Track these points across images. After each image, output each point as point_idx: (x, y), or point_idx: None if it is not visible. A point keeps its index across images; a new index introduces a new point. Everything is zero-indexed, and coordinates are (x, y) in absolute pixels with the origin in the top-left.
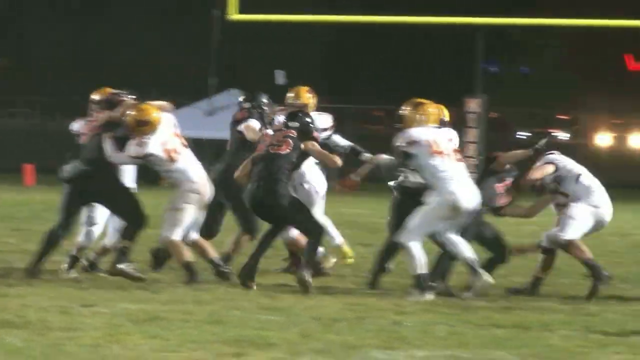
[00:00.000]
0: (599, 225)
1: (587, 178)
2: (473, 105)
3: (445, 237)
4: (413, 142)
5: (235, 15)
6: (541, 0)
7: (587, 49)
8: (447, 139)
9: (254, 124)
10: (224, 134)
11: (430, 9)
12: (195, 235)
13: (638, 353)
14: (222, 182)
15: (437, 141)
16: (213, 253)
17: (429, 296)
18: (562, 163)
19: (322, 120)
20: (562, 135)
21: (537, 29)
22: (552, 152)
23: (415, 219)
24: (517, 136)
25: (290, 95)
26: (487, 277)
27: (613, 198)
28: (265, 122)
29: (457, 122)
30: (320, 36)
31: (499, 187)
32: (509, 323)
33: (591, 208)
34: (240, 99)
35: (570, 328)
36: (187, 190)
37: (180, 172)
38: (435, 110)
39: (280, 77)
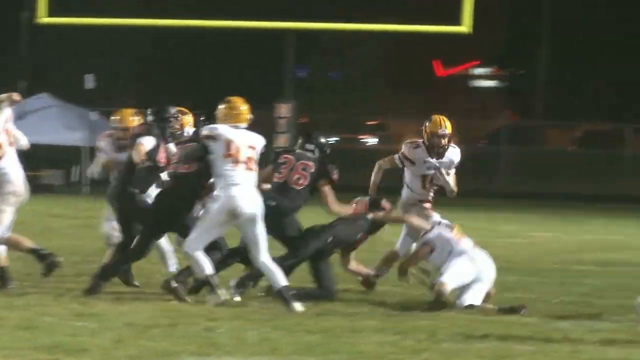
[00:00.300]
0: (480, 280)
1: (464, 243)
2: (283, 110)
3: (263, 265)
4: (214, 137)
5: (44, 19)
6: (352, 5)
7: (396, 55)
8: (248, 144)
9: (146, 143)
10: (34, 137)
11: (240, 13)
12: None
13: (449, 359)
14: (115, 191)
15: (236, 144)
16: (29, 242)
17: (223, 294)
18: (437, 239)
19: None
20: (371, 141)
21: (348, 34)
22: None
23: (197, 227)
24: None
25: (115, 118)
26: (298, 307)
27: None
28: (168, 136)
29: (268, 127)
30: (134, 41)
31: (362, 236)
32: (320, 329)
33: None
34: (148, 111)
35: (382, 334)
36: (6, 192)
37: (1, 173)
38: (246, 109)
39: (89, 82)
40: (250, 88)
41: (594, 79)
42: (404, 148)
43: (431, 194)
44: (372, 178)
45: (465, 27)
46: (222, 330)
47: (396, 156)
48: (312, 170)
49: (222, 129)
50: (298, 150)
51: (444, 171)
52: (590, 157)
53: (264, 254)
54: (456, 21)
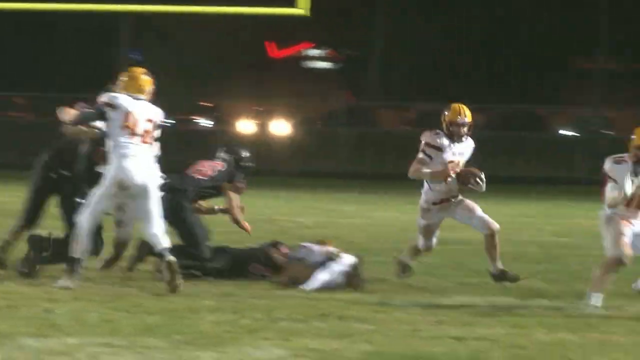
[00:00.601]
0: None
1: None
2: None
3: (153, 236)
4: (113, 105)
5: None
6: None
7: (229, 36)
8: (147, 118)
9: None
10: None
11: None
12: None
13: (286, 338)
14: (37, 175)
15: (135, 116)
16: None
17: (73, 283)
18: (306, 253)
19: None
20: (205, 122)
21: (181, 16)
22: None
23: (90, 199)
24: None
25: None
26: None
27: (258, 185)
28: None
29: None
30: None
31: (255, 267)
32: (159, 309)
33: None
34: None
35: (220, 314)
36: None
37: None
38: (147, 80)
39: None
40: (85, 71)
41: (428, 60)
42: (426, 138)
43: (454, 189)
44: (425, 175)
45: (302, 9)
46: (61, 312)
47: (420, 155)
48: (221, 169)
49: (123, 99)
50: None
51: (483, 177)
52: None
53: (157, 228)
54: (293, 3)
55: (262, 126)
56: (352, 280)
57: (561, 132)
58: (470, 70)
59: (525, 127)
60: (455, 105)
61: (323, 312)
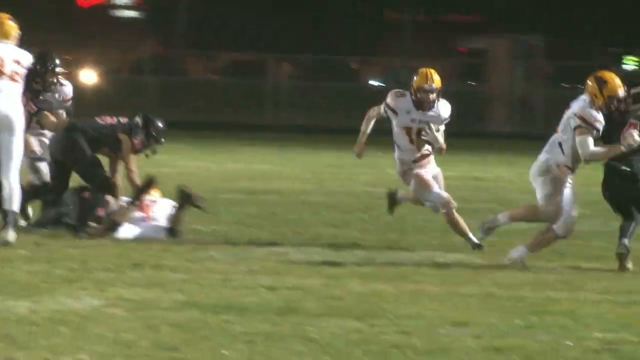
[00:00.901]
0: None
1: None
2: None
3: (6, 182)
4: None
5: None
6: None
7: None
8: (13, 59)
9: None
10: None
11: None
12: None
13: (104, 289)
14: None
15: (1, 57)
16: None
17: None
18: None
19: None
20: None
21: None
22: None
23: None
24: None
25: None
26: (12, 237)
27: None
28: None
29: None
30: None
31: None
32: None
33: None
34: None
35: (34, 263)
36: None
37: None
38: (13, 25)
39: None
40: None
41: (237, 10)
42: (388, 97)
43: (426, 149)
44: (362, 128)
45: None
46: None
47: (382, 106)
48: (122, 121)
49: None
50: None
51: (433, 127)
52: (231, 86)
53: (13, 173)
54: None
55: (70, 75)
56: (173, 225)
57: (371, 82)
58: (282, 22)
59: (336, 78)
60: (423, 70)
61: (137, 262)
